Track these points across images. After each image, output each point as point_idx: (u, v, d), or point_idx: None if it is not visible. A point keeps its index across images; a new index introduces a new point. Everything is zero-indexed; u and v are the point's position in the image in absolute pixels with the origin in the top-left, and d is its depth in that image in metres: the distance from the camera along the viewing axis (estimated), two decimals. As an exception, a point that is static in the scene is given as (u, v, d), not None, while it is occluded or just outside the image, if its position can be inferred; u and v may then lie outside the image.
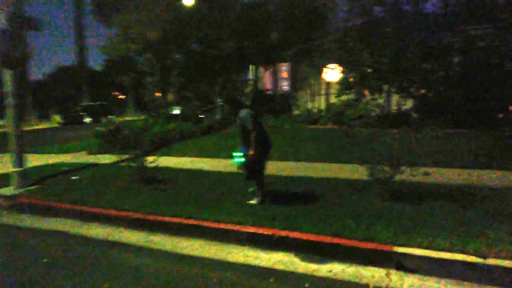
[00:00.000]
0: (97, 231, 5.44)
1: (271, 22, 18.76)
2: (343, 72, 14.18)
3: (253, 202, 5.74)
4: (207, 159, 10.21)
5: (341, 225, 4.64)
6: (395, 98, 14.49)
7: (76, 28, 37.71)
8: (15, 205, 6.77)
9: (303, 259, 4.23)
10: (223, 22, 18.88)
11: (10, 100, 7.45)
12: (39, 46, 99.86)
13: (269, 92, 24.70)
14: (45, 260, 4.44)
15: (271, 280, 3.81)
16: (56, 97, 38.84)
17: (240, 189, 6.45)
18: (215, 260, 4.30)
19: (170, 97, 30.03)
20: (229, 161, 9.65)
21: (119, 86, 40.63)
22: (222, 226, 4.96)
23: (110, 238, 5.14)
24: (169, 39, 22.14)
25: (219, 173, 8.15)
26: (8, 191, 7.34)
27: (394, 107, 14.30)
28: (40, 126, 29.31)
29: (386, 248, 4.09)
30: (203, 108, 24.78)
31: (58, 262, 4.40)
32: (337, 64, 13.63)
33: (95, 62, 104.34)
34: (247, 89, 19.03)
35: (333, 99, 18.03)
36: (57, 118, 34.07)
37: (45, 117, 36.01)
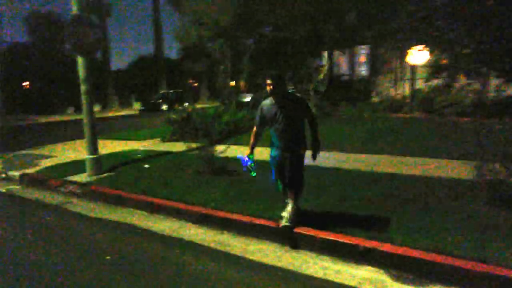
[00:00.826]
0: (164, 225, 5.13)
1: (349, 0, 17.37)
2: (432, 54, 12.63)
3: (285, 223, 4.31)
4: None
5: (443, 238, 3.79)
6: (493, 83, 12.65)
7: (153, 19, 39.02)
8: (87, 192, 6.75)
9: (396, 279, 3.46)
10: (296, 2, 17.88)
11: (84, 87, 7.45)
12: (120, 37, 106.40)
13: (345, 78, 23.26)
14: (108, 257, 4.17)
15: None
16: (137, 85, 40.69)
17: (318, 186, 5.77)
18: (289, 271, 3.70)
19: (242, 84, 29.92)
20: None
21: (193, 74, 41.58)
22: (296, 230, 4.34)
23: (175, 234, 4.77)
24: (240, 23, 21.76)
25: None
26: (81, 178, 7.39)
27: (491, 94, 12.49)
28: (121, 113, 30.82)
29: (508, 273, 3.19)
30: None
31: (120, 261, 4.09)
32: (424, 46, 12.15)
33: (172, 51, 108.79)
34: (321, 75, 17.90)
35: (419, 85, 16.30)
36: (137, 105, 35.73)
37: (126, 104, 37.95)
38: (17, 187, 7.58)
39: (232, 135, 11.81)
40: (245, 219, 4.78)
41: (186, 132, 10.60)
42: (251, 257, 4.04)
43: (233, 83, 31.62)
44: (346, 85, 21.06)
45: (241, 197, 5.56)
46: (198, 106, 16.94)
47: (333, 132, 11.10)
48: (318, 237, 4.11)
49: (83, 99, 7.51)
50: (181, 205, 5.43)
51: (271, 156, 4.53)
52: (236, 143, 10.35)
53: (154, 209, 5.68)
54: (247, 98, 24.31)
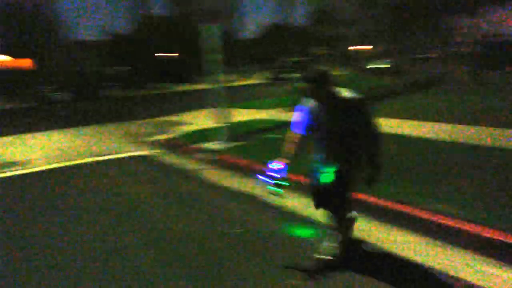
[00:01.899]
0: (290, 201, 4.82)
1: None
2: None
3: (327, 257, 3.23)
4: (420, 122, 8.52)
5: None
6: None
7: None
8: (218, 161, 6.86)
9: None
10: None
11: (212, 56, 7.49)
12: (250, 5, 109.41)
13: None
14: (238, 230, 4.03)
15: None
16: (265, 54, 41.39)
17: (472, 167, 4.80)
18: (438, 272, 3.04)
19: (377, 49, 27.88)
20: (451, 127, 7.80)
21: (323, 40, 40.51)
22: (441, 220, 3.60)
23: (301, 212, 4.41)
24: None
25: (439, 142, 6.54)
26: (213, 145, 7.56)
27: None
28: (249, 82, 31.78)
29: None
30: (416, 60, 21.92)
31: (250, 237, 3.91)
32: None
33: (301, 18, 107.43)
34: (480, 36, 15.25)
35: None
36: (266, 74, 36.41)
37: (254, 73, 39.00)
38: (158, 151, 8.14)
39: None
40: (380, 202, 4.17)
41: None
42: (395, 251, 3.46)
43: (369, 47, 29.70)
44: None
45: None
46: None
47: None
48: (472, 233, 3.31)
49: (212, 68, 7.57)
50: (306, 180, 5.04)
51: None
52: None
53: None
54: (384, 65, 22.56)
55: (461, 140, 6.61)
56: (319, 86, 2.87)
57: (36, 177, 6.60)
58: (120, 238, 3.99)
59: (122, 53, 32.81)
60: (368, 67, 23.11)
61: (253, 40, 44.18)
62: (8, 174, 6.84)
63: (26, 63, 29.35)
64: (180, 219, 4.46)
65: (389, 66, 20.65)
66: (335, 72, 25.97)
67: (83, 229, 4.29)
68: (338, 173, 2.97)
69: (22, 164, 7.43)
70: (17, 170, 7.04)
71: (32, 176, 6.67)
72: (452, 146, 6.26)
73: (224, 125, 7.71)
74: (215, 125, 7.78)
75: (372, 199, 4.25)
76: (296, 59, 35.19)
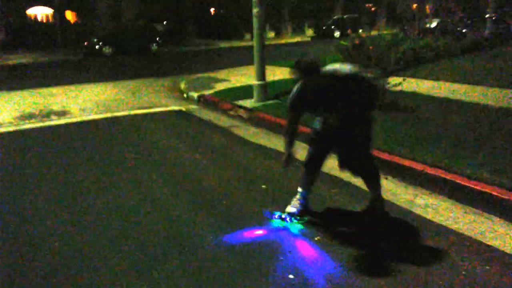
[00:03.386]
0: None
1: None
2: None
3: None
4: (467, 85, 8.05)
5: None
6: None
7: None
8: (252, 117, 6.87)
9: None
10: None
11: (255, 10, 7.30)
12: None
13: None
14: (263, 186, 4.08)
15: None
16: (312, 11, 39.85)
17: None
18: (468, 238, 2.96)
19: (427, 7, 26.12)
20: (499, 92, 7.32)
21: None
22: (485, 188, 3.45)
23: (333, 172, 4.37)
24: None
25: (481, 107, 6.19)
26: (248, 103, 7.55)
27: None
28: (294, 40, 30.93)
29: None
30: (468, 21, 20.37)
31: (274, 191, 3.96)
32: None
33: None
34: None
35: None
36: (310, 31, 35.26)
37: (299, 30, 37.82)
38: (195, 106, 8.25)
39: (411, 66, 10.42)
40: (414, 165, 4.04)
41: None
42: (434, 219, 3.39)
43: (414, 5, 27.88)
44: None
45: (411, 140, 4.75)
46: (374, 32, 15.43)
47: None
48: None
49: (254, 22, 7.40)
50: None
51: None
52: (414, 75, 9.09)
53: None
54: (433, 24, 21.14)
55: (487, 100, 6.23)
56: (309, 74, 2.87)
57: (76, 127, 6.90)
58: (152, 188, 4.16)
59: (172, 8, 32.73)
60: (426, 26, 21.62)
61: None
62: (51, 123, 7.18)
63: (72, 15, 30.09)
64: (208, 172, 4.59)
65: (437, 25, 19.36)
66: (379, 31, 24.76)
67: (117, 178, 4.49)
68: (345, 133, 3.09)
69: (64, 114, 7.77)
70: (59, 119, 7.38)
71: (72, 126, 6.98)
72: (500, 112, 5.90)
73: (260, 82, 7.63)
74: (254, 82, 7.72)
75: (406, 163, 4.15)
76: (340, 16, 33.74)
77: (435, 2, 25.84)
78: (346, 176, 3.76)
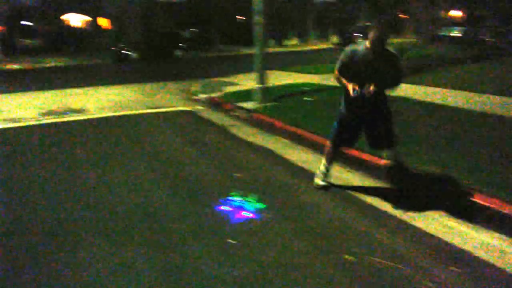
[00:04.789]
0: (298, 156, 5.27)
1: None
2: None
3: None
4: (461, 92, 8.30)
5: None
6: None
7: None
8: (249, 118, 7.40)
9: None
10: None
11: (257, 18, 7.83)
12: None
13: None
14: (239, 174, 4.59)
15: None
16: (337, 19, 40.04)
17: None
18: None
19: (445, 14, 25.91)
20: (493, 98, 7.54)
21: (400, 3, 38.10)
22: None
23: (306, 166, 4.83)
24: None
25: (465, 112, 6.49)
26: (249, 105, 8.08)
27: None
28: (317, 47, 31.28)
29: None
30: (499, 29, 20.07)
31: (249, 180, 4.46)
32: None
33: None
34: None
35: None
36: (334, 39, 35.45)
37: (324, 37, 38.05)
38: (201, 107, 8.86)
39: (416, 73, 10.70)
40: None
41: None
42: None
43: (444, 13, 27.63)
44: None
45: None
46: (397, 40, 15.65)
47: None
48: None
49: (255, 30, 7.94)
50: (318, 139, 5.40)
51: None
52: (413, 82, 9.37)
53: (296, 139, 5.87)
54: (456, 33, 20.87)
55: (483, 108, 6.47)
56: (386, 32, 3.47)
57: (88, 123, 7.62)
58: (139, 170, 4.83)
59: (196, 14, 33.79)
60: (441, 34, 21.59)
61: (326, 3, 42.80)
62: (67, 119, 7.95)
63: (104, 22, 31.66)
64: (193, 161, 5.21)
65: (460, 34, 19.26)
66: (403, 39, 24.74)
67: (110, 163, 5.13)
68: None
69: (81, 111, 8.53)
70: (75, 116, 8.13)
71: (86, 122, 7.70)
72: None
73: (261, 86, 8.14)
74: (255, 86, 8.25)
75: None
76: (363, 24, 33.82)
77: (465, 10, 25.57)
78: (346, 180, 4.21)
